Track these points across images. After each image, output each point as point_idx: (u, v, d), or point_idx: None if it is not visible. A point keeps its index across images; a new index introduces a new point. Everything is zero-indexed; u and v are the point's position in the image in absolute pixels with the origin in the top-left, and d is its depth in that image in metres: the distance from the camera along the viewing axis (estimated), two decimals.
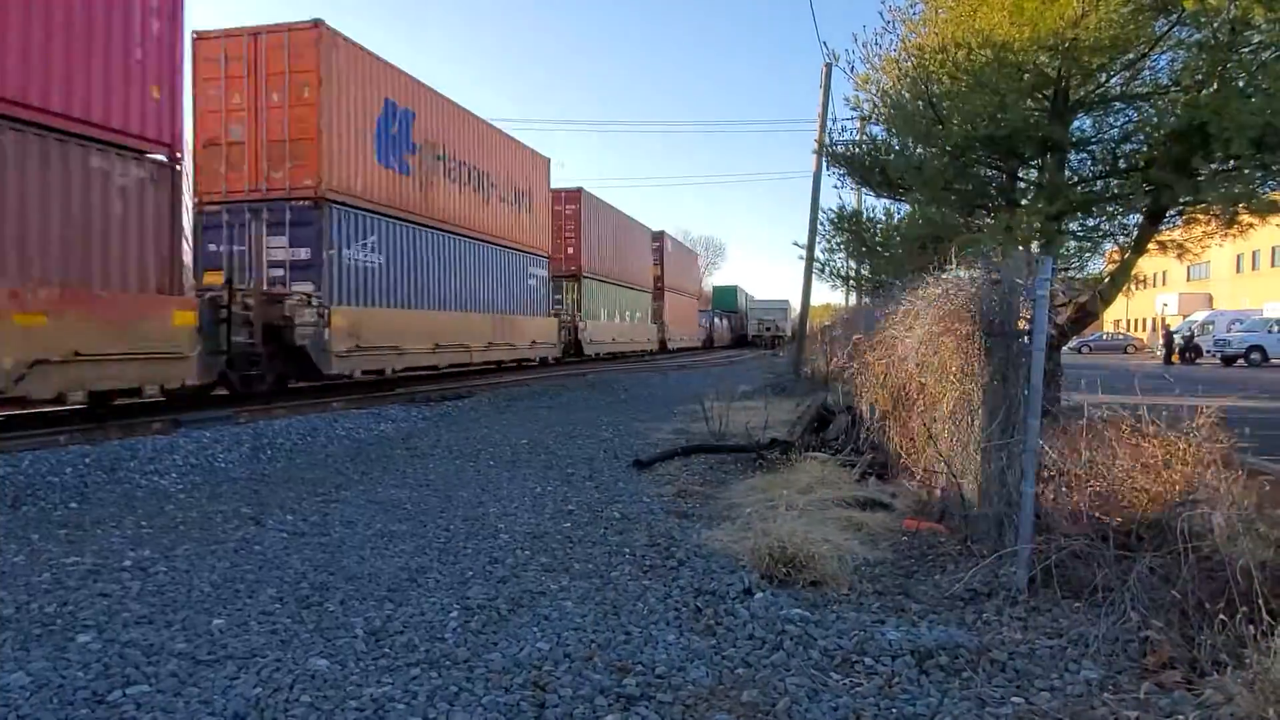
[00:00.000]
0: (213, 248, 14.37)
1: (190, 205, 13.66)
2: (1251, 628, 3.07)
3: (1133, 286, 9.61)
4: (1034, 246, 8.57)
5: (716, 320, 59.72)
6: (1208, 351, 33.46)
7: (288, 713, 2.93)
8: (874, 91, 11.15)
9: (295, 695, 3.06)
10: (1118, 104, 8.84)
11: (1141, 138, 8.64)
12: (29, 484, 6.73)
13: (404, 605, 4.09)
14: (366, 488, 7.17)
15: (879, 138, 11.39)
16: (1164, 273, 54.18)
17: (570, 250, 28.17)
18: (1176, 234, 9.36)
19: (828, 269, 17.71)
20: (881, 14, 10.57)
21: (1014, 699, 3.07)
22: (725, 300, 67.50)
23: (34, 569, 4.58)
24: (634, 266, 35.32)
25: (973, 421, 5.04)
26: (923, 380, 5.90)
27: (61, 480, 6.95)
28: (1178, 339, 34.77)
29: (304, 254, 14.22)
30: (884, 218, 15.14)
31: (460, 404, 14.24)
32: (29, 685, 3.08)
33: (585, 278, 28.69)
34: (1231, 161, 7.55)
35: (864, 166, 11.22)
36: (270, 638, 3.64)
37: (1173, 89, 8.07)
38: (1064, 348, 10.31)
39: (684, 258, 48.43)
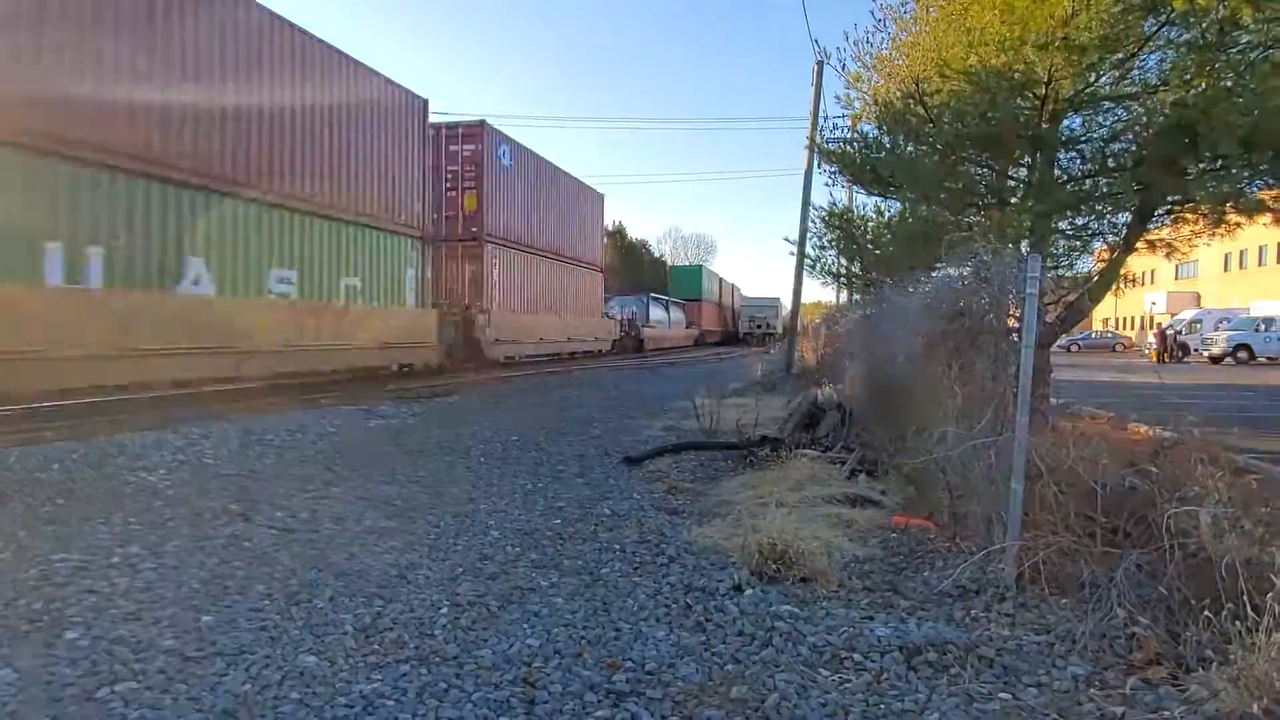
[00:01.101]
0: None
1: None
2: (1237, 624, 3.10)
3: (1122, 285, 9.63)
4: (1024, 245, 8.60)
5: (656, 311, 40.31)
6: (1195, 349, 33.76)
7: (277, 709, 2.92)
8: (865, 89, 11.19)
9: (284, 692, 3.05)
10: (1107, 103, 8.86)
11: (1130, 137, 8.67)
12: (15, 480, 6.68)
13: (393, 602, 4.09)
14: (356, 484, 7.14)
15: (870, 135, 11.39)
16: (1152, 271, 54.57)
17: None
18: (1165, 233, 9.39)
19: (819, 266, 17.72)
20: (873, 12, 10.61)
21: (1001, 695, 3.09)
22: (686, 284, 50.46)
23: (21, 565, 4.54)
24: (345, 167, 15.14)
25: (962, 419, 5.06)
26: (912, 377, 5.92)
27: (49, 476, 6.91)
28: (1169, 336, 34.94)
29: None
30: (875, 215, 15.15)
31: (450, 400, 14.24)
32: (16, 682, 3.07)
33: None
34: (1219, 161, 7.58)
35: (855, 164, 11.20)
36: (259, 634, 3.63)
37: (1162, 89, 8.10)
38: (1053, 346, 10.35)
39: (556, 187, 26.09)
